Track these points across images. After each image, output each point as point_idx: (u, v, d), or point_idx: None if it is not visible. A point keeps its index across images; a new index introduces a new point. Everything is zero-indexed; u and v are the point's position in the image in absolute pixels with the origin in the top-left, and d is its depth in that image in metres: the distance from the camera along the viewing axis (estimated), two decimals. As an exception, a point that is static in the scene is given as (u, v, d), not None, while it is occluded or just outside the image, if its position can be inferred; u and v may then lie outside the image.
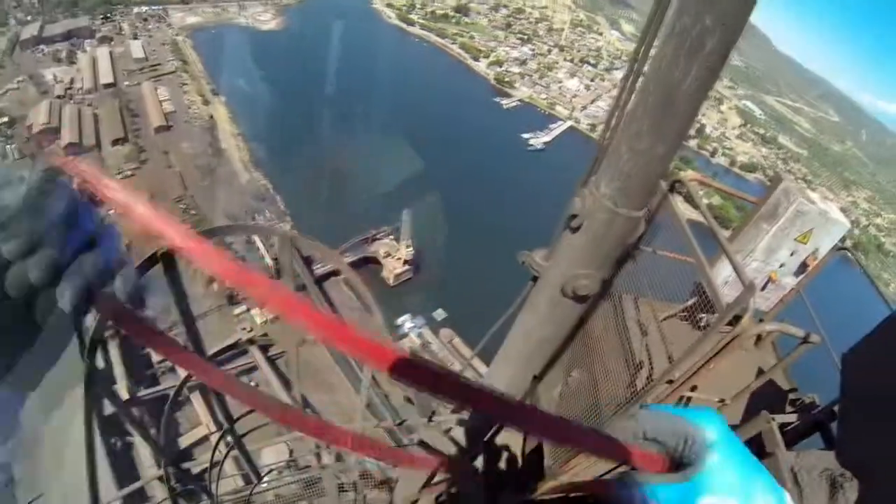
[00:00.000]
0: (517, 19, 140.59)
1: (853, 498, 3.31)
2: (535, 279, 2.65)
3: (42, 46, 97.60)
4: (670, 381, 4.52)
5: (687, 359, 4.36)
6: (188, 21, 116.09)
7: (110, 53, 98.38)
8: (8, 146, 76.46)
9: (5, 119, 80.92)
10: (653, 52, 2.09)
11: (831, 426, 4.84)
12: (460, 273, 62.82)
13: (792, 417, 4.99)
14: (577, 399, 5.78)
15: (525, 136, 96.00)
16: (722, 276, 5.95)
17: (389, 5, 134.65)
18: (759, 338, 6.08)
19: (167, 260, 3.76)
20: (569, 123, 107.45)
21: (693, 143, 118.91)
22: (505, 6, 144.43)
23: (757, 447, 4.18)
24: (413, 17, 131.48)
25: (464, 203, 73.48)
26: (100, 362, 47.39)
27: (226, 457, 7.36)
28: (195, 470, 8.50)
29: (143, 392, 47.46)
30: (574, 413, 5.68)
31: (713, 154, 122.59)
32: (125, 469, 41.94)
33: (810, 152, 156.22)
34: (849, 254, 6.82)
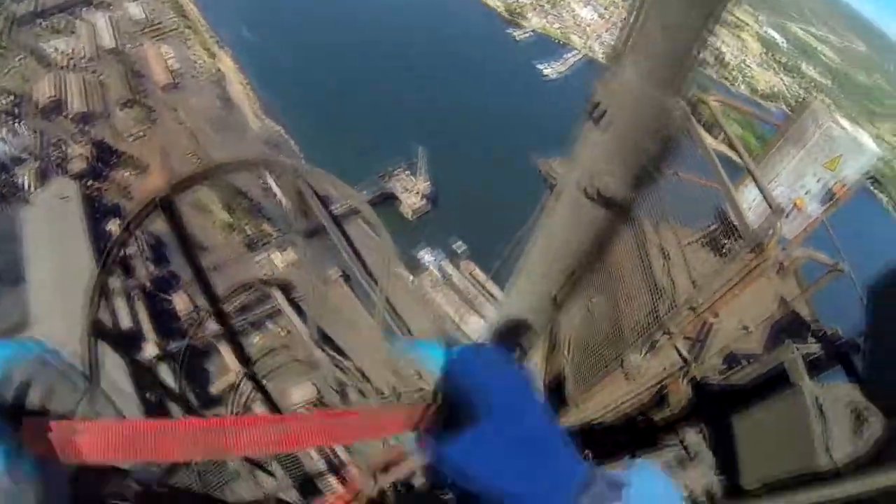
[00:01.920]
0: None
1: (878, 431, 3.27)
2: (553, 188, 2.48)
3: (40, 20, 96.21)
4: (693, 308, 4.48)
5: (710, 284, 4.29)
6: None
7: (109, 18, 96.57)
8: (18, 124, 76.40)
9: (11, 97, 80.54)
10: None
11: (854, 359, 4.75)
12: (478, 205, 62.67)
13: (815, 348, 4.94)
14: (598, 325, 5.77)
15: (539, 66, 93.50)
16: (746, 202, 5.78)
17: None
18: (781, 265, 5.98)
19: (166, 205, 3.70)
20: (584, 52, 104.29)
21: (712, 71, 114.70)
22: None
23: (780, 377, 4.14)
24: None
25: (479, 136, 72.56)
26: (127, 321, 49.00)
27: (247, 400, 7.56)
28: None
29: (172, 345, 49.26)
30: (595, 338, 5.68)
31: (733, 83, 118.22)
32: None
33: (835, 83, 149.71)
34: (876, 183, 6.56)
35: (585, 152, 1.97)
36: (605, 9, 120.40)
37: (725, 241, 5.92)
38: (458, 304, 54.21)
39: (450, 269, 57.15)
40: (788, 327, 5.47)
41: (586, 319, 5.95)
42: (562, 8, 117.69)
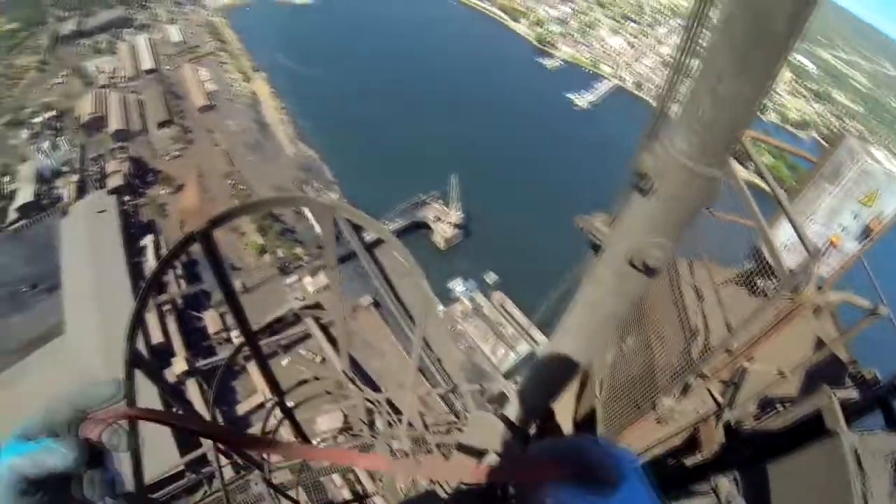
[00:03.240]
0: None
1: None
2: (594, 246, 2.50)
3: (82, 40, 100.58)
4: (728, 351, 4.40)
5: (746, 328, 4.21)
6: (221, 1, 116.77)
7: (149, 40, 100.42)
8: (59, 139, 79.66)
9: (53, 112, 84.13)
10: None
11: (895, 404, 4.61)
12: (510, 236, 62.71)
13: (852, 393, 4.78)
14: (630, 365, 5.71)
15: (570, 95, 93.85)
16: (780, 239, 5.71)
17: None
18: (818, 307, 5.85)
19: (204, 238, 3.84)
20: (614, 82, 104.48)
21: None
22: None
23: (817, 423, 4.04)
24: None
25: (511, 165, 72.81)
26: (158, 335, 49.75)
27: (278, 426, 7.62)
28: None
29: (200, 362, 49.80)
30: (627, 379, 5.61)
31: (763, 112, 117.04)
32: (188, 435, 44.37)
33: (867, 108, 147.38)
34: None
35: (630, 222, 1.97)
36: (635, 38, 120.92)
37: (761, 281, 5.83)
38: (488, 334, 54.03)
39: (481, 299, 56.90)
40: (825, 371, 5.33)
41: (618, 359, 5.90)
42: (591, 37, 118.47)
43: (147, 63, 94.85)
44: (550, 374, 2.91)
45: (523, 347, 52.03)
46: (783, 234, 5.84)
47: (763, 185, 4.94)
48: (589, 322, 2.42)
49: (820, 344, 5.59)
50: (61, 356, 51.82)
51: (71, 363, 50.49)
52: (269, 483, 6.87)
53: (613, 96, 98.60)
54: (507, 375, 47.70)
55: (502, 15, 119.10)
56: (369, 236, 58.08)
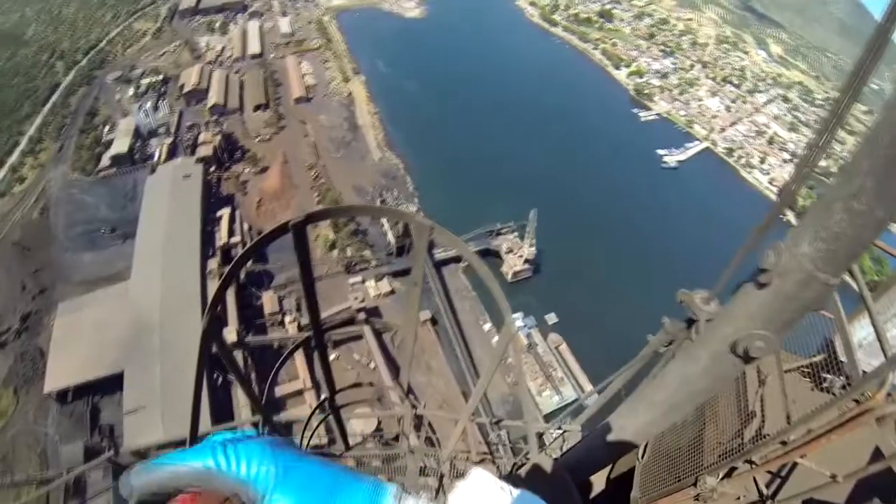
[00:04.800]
0: (661, 30, 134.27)
1: None
2: (689, 321, 2.54)
3: (198, 17, 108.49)
4: (783, 443, 4.27)
5: (806, 422, 4.09)
6: (334, 2, 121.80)
7: (260, 27, 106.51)
8: (161, 102, 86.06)
9: (161, 76, 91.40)
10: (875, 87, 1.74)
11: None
12: (578, 280, 61.63)
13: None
14: (679, 436, 5.58)
15: (660, 152, 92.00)
16: (857, 337, 5.49)
17: (533, 3, 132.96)
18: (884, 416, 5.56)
19: (299, 231, 4.03)
20: (705, 144, 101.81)
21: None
22: (649, 15, 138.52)
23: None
24: (556, 17, 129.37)
25: (591, 210, 71.74)
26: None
27: (320, 423, 7.79)
28: (284, 419, 9.05)
29: (250, 338, 51.28)
30: (673, 447, 5.48)
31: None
32: (223, 404, 45.69)
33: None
34: None
35: (740, 311, 2.03)
36: (732, 102, 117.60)
37: (829, 377, 5.62)
38: (537, 373, 53.50)
39: (537, 337, 56.38)
40: (880, 486, 5.05)
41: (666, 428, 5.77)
42: (689, 95, 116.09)
43: (254, 48, 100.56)
44: (617, 438, 2.95)
45: (568, 393, 51.24)
46: (861, 332, 5.61)
47: (846, 275, 4.80)
48: (672, 396, 2.46)
49: (878, 454, 5.32)
50: (121, 300, 54.94)
51: (128, 308, 53.71)
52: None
53: (702, 158, 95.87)
54: (547, 417, 47.01)
55: (604, 60, 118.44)
56: (440, 254, 58.96)
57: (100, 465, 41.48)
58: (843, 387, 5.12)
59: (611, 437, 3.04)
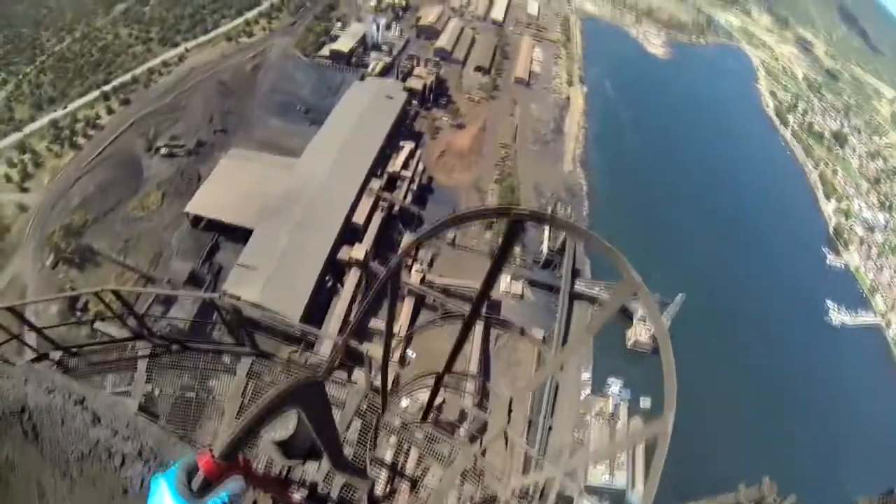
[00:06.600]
0: (890, 179, 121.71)
1: None
2: None
3: None
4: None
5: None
6: (587, 7, 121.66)
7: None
8: (395, 23, 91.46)
9: (403, 2, 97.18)
10: None
11: None
12: (689, 386, 57.44)
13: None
14: None
15: (829, 303, 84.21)
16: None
17: (773, 94, 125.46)
18: None
19: (514, 226, 4.17)
20: (878, 320, 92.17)
21: None
22: (884, 159, 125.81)
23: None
24: (790, 117, 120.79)
25: (734, 320, 67.21)
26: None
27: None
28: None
29: (374, 265, 53.13)
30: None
31: None
32: (322, 308, 46.55)
33: None
34: None
35: None
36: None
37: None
38: (603, 443, 51.08)
39: (623, 412, 54.05)
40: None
41: None
42: (888, 262, 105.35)
43: (497, 14, 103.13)
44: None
45: (620, 480, 48.93)
46: None
47: None
48: None
49: None
50: (284, 171, 59.35)
51: (287, 182, 57.80)
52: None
53: (868, 334, 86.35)
54: (587, 489, 45.31)
55: (818, 183, 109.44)
56: (579, 286, 59.40)
57: (198, 299, 44.45)
58: None
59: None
